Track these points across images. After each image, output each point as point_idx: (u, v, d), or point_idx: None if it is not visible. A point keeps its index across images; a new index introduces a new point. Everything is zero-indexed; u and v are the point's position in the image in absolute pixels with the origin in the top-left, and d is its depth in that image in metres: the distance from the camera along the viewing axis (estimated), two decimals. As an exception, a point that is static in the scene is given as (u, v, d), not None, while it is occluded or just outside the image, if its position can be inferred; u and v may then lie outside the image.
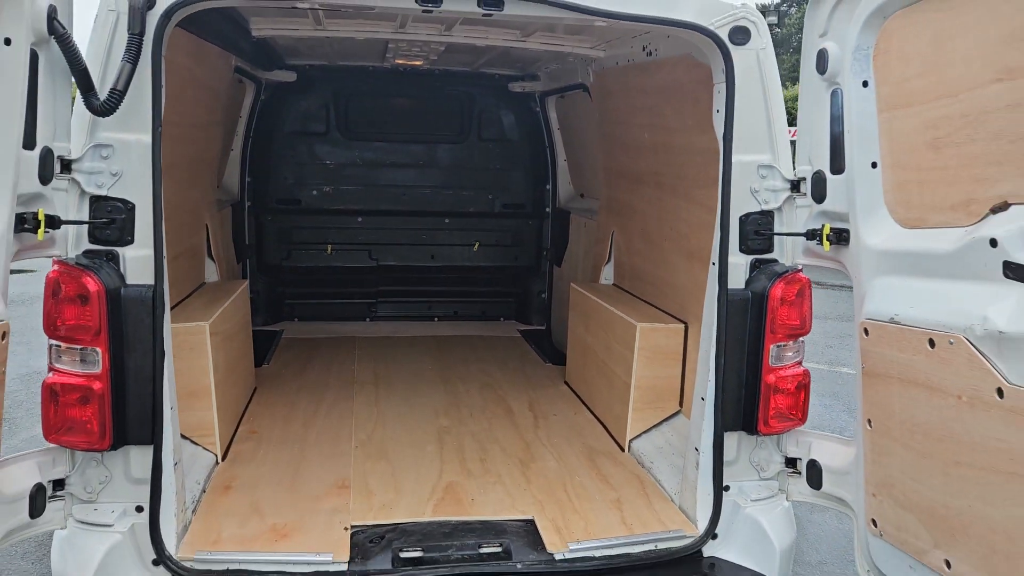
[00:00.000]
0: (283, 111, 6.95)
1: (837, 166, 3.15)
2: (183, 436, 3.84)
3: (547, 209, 7.32)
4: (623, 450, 4.32)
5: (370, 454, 4.22)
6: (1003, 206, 2.47)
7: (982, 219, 2.54)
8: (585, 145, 6.38)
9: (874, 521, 3.01)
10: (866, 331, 2.99)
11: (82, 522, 2.98)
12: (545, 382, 5.66)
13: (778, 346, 3.34)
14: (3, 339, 2.62)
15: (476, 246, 7.37)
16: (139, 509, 3.01)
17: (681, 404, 4.32)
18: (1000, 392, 2.40)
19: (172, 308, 4.22)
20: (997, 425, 2.41)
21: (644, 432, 4.30)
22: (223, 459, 4.00)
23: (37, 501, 2.87)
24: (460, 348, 6.58)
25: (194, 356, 3.87)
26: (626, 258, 5.21)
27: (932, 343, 2.65)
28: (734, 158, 3.25)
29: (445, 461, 4.13)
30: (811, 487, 3.37)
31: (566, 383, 5.59)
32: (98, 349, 2.89)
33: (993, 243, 2.46)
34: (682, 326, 4.26)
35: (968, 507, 2.55)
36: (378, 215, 7.20)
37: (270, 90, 6.75)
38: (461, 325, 7.43)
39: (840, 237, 3.15)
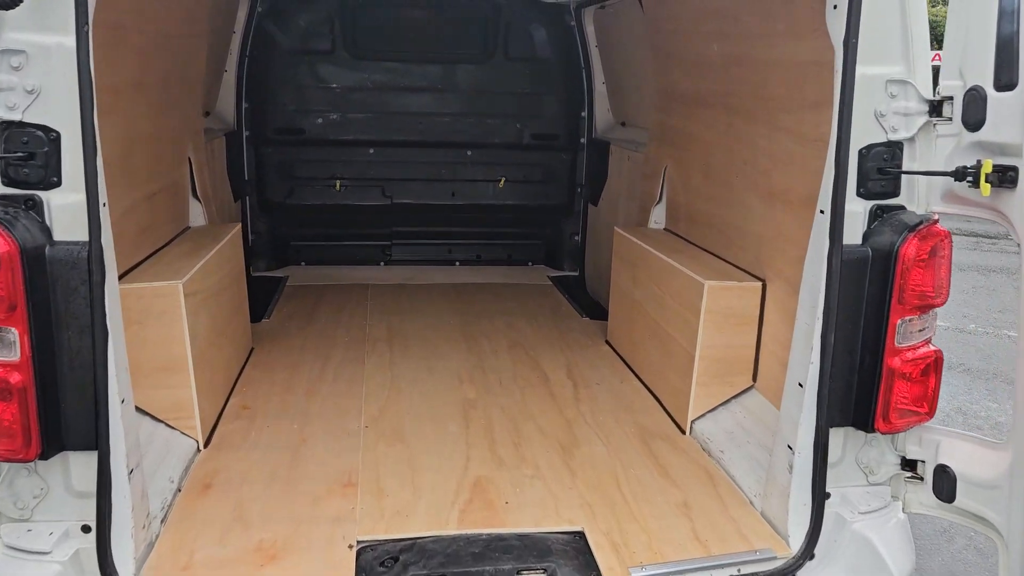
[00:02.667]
0: (282, 25, 6.08)
1: (1005, 79, 2.31)
2: (156, 419, 3.19)
3: (582, 140, 6.47)
4: (684, 432, 3.61)
5: (383, 434, 3.55)
6: None
7: None
8: (630, 64, 5.49)
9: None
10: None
11: (11, 548, 2.33)
12: (583, 340, 4.94)
13: (905, 320, 2.57)
14: None
15: (502, 182, 6.57)
16: (85, 529, 2.36)
17: (755, 378, 3.58)
18: None
19: (144, 261, 3.52)
20: None
21: (709, 411, 3.58)
22: (206, 445, 3.34)
23: (-51, 523, 2.22)
24: (484, 298, 5.85)
25: (165, 323, 3.17)
26: (682, 198, 4.40)
27: None
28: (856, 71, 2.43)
29: (472, 445, 3.45)
30: (939, 499, 2.65)
31: (607, 343, 4.86)
32: (14, 329, 2.18)
33: None
34: (758, 284, 3.49)
35: None
36: (391, 146, 6.38)
37: (268, 1, 5.89)
38: (484, 271, 6.69)
39: (1005, 178, 2.34)
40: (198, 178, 4.36)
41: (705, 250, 4.07)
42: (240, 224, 4.46)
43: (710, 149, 4.00)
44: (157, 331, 3.16)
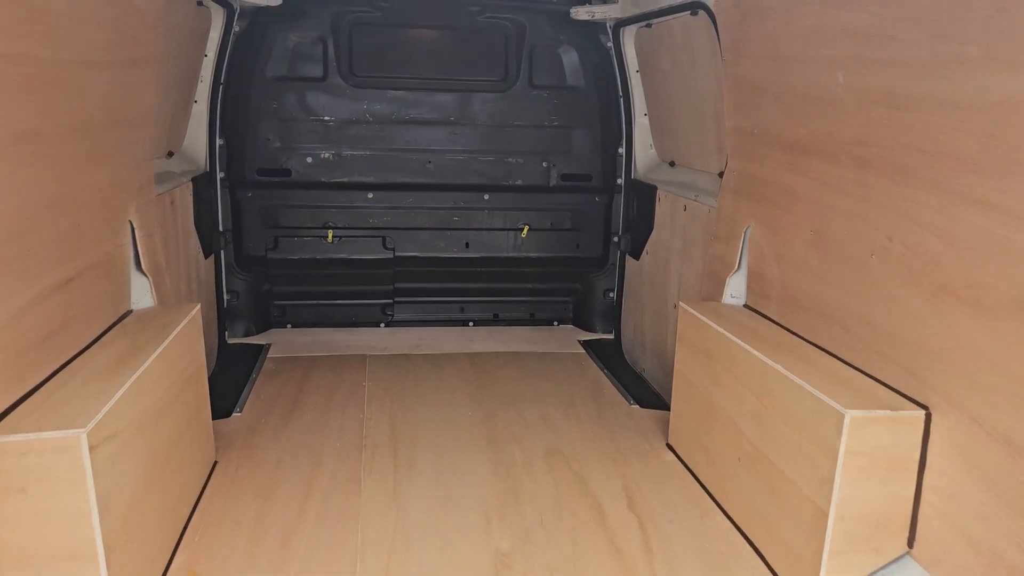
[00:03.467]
0: (265, 48, 5.10)
1: None
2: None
3: (619, 181, 5.47)
4: (812, 620, 2.56)
5: (384, 621, 2.51)
6: None
7: None
8: (687, 94, 4.50)
9: None
10: None
11: None
12: (637, 443, 3.89)
13: None
14: None
15: (525, 231, 5.55)
16: None
17: (911, 543, 2.54)
18: None
19: (47, 383, 2.49)
20: None
21: (849, 590, 2.54)
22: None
23: None
24: (507, 375, 4.82)
25: (61, 491, 2.13)
26: (776, 272, 3.38)
27: None
28: None
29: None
30: None
31: (669, 447, 3.82)
32: None
33: None
34: (921, 414, 2.46)
35: None
36: (394, 190, 5.38)
37: (247, 18, 4.91)
38: (503, 333, 5.67)
39: None
40: (143, 247, 3.34)
41: (815, 346, 3.04)
42: (199, 305, 3.42)
43: (824, 213, 2.98)
44: (50, 503, 2.12)
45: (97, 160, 2.89)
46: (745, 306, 3.66)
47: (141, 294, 3.36)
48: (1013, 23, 2.00)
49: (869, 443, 2.45)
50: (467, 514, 3.17)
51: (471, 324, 5.77)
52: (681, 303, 3.72)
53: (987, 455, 2.21)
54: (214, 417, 3.95)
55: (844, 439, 2.44)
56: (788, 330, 3.25)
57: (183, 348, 3.15)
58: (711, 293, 3.86)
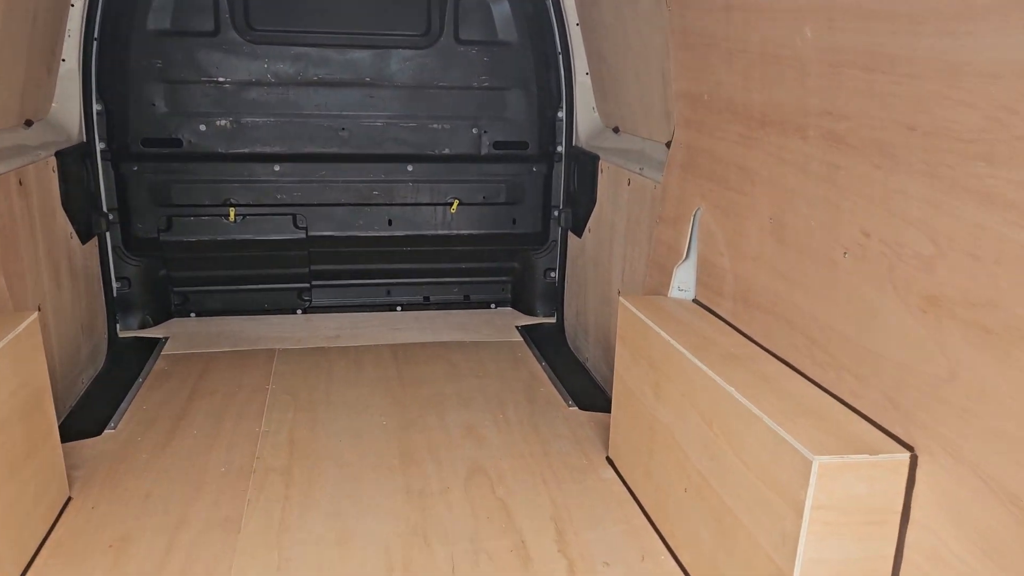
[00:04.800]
0: (144, -3, 4.38)
1: None
2: None
3: (560, 149, 4.91)
4: None
5: None
6: None
7: None
8: (629, 51, 3.93)
9: None
10: None
11: None
12: (574, 459, 3.40)
13: None
14: None
15: (455, 205, 4.97)
16: None
17: (890, 608, 2.08)
18: None
19: None
20: None
21: (815, 669, 2.09)
22: None
23: None
24: (432, 371, 4.29)
25: None
26: (728, 264, 2.87)
27: None
28: None
29: None
30: None
31: (609, 462, 3.34)
32: None
33: None
34: (906, 457, 1.98)
35: None
36: (304, 161, 4.74)
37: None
38: (434, 318, 5.13)
39: None
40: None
41: (775, 356, 2.55)
42: (36, 313, 2.80)
43: (786, 197, 2.47)
44: None
45: None
46: (695, 301, 3.16)
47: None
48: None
49: (842, 494, 1.97)
50: (365, 562, 2.64)
51: (398, 309, 5.22)
52: (621, 298, 3.20)
53: (983, 510, 1.75)
54: (80, 437, 3.39)
55: (811, 490, 1.96)
56: (743, 334, 2.75)
57: (11, 370, 2.55)
58: (657, 284, 3.35)
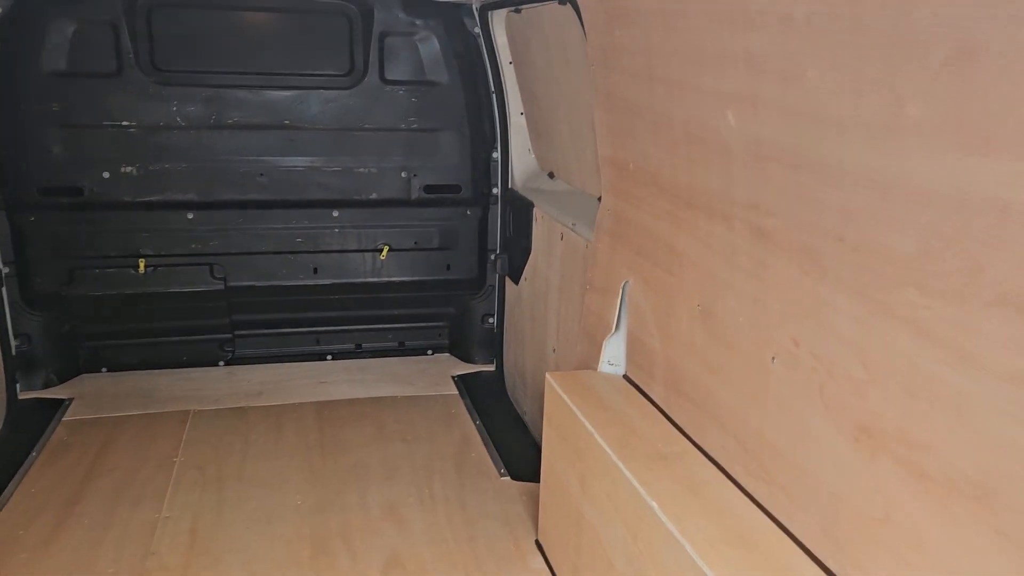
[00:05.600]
0: (38, 35, 4.04)
1: None
2: None
3: (495, 191, 4.68)
4: None
5: None
6: None
7: None
8: (561, 96, 3.72)
9: None
10: None
11: None
12: (501, 539, 3.17)
13: None
14: None
15: (384, 251, 4.72)
16: None
17: None
18: None
19: None
20: None
21: None
22: None
23: None
24: (357, 435, 4.02)
25: None
26: (659, 345, 2.66)
27: None
28: None
29: None
30: None
31: (538, 544, 3.12)
32: None
33: None
34: (840, 598, 1.78)
35: None
36: (220, 208, 4.44)
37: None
38: (365, 367, 4.86)
39: None
40: None
41: (707, 456, 2.34)
42: None
43: (715, 286, 2.27)
44: None
45: None
46: (625, 377, 2.95)
47: None
48: (982, 73, 1.28)
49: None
50: None
51: (328, 358, 4.93)
52: (548, 376, 2.98)
53: None
54: (-44, 530, 3.05)
55: (736, 642, 1.75)
56: (674, 424, 2.55)
57: None
58: (587, 356, 3.13)
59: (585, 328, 3.17)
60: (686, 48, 2.15)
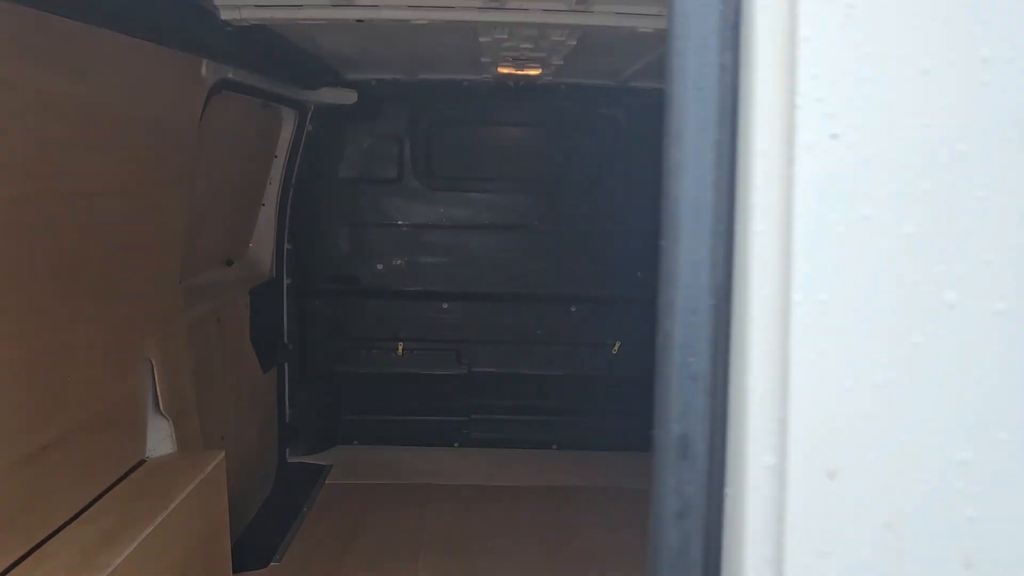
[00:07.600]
0: (338, 148, 4.79)
1: None
2: None
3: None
4: None
5: None
6: None
7: None
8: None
9: None
10: None
11: None
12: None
13: None
14: None
15: (616, 347, 4.92)
16: None
17: None
18: None
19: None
20: None
21: None
22: None
23: None
24: (586, 520, 4.13)
25: None
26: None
27: None
28: None
29: None
30: None
31: None
32: None
33: None
34: None
35: None
36: (471, 300, 4.89)
37: (320, 118, 4.62)
38: (592, 459, 4.98)
39: None
40: (164, 385, 2.92)
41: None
42: (223, 453, 2.96)
43: None
44: None
45: (102, 296, 2.50)
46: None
47: (159, 439, 2.93)
48: None
49: None
50: None
51: (554, 447, 5.12)
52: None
53: None
54: (248, 568, 3.48)
55: None
56: None
57: (197, 508, 2.68)
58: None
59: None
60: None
